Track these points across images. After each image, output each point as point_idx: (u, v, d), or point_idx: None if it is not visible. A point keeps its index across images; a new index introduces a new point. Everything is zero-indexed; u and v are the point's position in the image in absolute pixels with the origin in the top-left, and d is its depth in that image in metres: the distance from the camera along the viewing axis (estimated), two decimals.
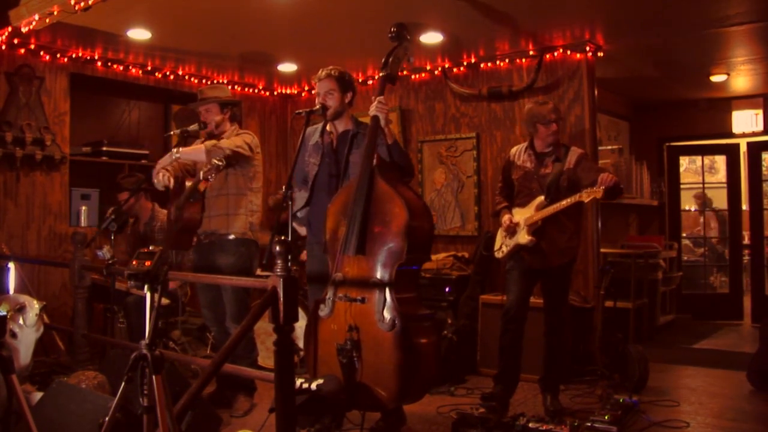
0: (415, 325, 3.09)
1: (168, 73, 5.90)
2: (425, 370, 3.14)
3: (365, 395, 3.08)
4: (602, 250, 5.41)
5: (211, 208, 3.95)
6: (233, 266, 3.87)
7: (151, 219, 4.93)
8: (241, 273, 3.80)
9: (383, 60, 3.32)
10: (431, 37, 5.00)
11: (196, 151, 3.76)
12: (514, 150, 4.07)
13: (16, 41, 4.91)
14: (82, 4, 4.01)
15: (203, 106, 4.02)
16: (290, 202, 3.44)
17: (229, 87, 4.34)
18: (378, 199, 3.17)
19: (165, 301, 4.72)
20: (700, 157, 8.18)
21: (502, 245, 3.99)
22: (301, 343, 4.82)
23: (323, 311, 3.28)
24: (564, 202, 3.66)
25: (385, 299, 3.08)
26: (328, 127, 3.56)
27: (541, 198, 3.78)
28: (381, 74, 3.33)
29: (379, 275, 3.13)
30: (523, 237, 3.81)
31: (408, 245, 3.09)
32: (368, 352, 3.09)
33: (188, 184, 3.92)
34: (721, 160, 8.21)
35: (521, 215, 3.88)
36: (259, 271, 4.15)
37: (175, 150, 3.72)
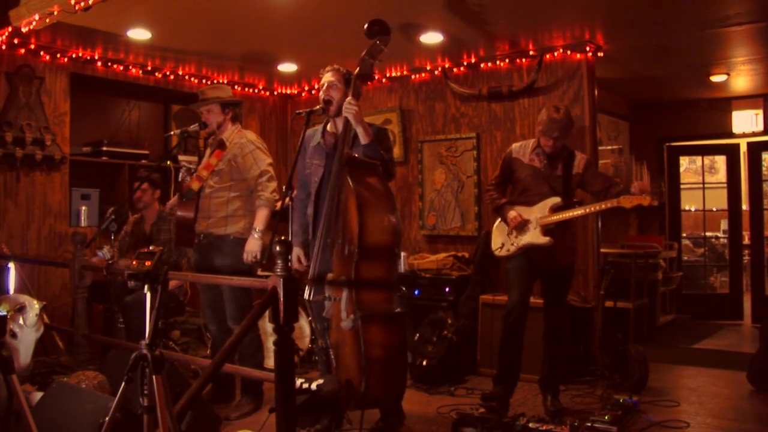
0: (373, 325, 3.06)
1: (168, 73, 5.90)
2: (392, 368, 3.10)
3: (351, 392, 3.10)
4: (602, 250, 5.41)
5: (210, 209, 3.95)
6: (230, 267, 3.87)
7: (159, 220, 4.89)
8: (239, 273, 3.77)
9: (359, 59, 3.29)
10: (431, 37, 5.00)
11: (265, 216, 3.84)
12: (516, 146, 4.00)
13: (16, 41, 4.91)
14: (82, 4, 4.01)
15: (204, 107, 4.02)
16: (290, 202, 3.44)
17: (229, 87, 4.32)
18: (344, 197, 3.16)
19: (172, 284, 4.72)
20: (700, 157, 8.19)
21: (504, 243, 3.94)
22: (300, 343, 4.83)
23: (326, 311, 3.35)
24: (603, 205, 3.66)
25: (347, 298, 3.08)
26: (329, 128, 3.49)
27: (557, 199, 3.76)
28: (355, 74, 3.29)
29: (343, 274, 3.13)
30: (537, 237, 3.77)
31: (360, 242, 3.05)
32: (341, 351, 3.17)
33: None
34: (721, 160, 8.22)
35: (530, 214, 3.83)
36: (259, 271, 4.15)
37: (257, 231, 3.80)
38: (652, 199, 3.76)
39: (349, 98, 3.21)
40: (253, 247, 3.82)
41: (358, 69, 3.28)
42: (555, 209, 3.76)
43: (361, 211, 3.06)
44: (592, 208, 3.71)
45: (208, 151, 4.14)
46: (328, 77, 3.43)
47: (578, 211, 3.74)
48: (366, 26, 3.24)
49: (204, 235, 3.97)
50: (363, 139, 3.22)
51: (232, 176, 3.94)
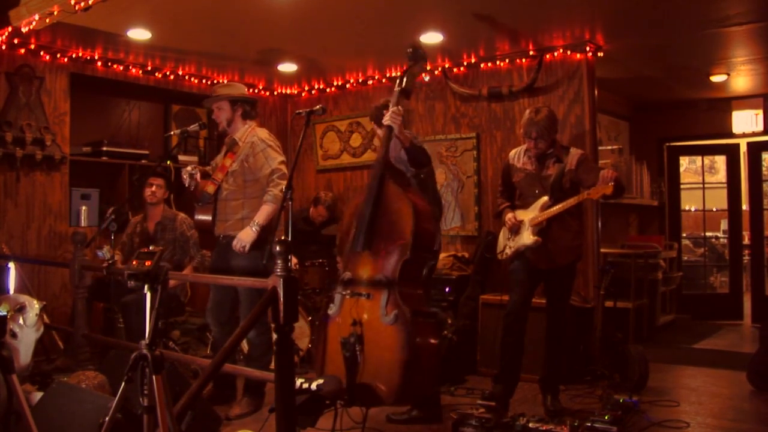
0: (417, 321, 3.19)
1: (168, 73, 5.90)
2: (426, 367, 3.21)
3: (365, 390, 3.16)
4: (602, 250, 5.41)
5: (227, 212, 3.94)
6: (245, 268, 3.85)
7: (164, 219, 4.88)
8: (255, 275, 3.73)
9: (398, 78, 3.57)
10: (431, 37, 5.00)
11: (268, 212, 3.83)
12: (513, 153, 4.07)
13: (16, 41, 4.91)
14: (82, 4, 4.01)
15: (215, 104, 4.01)
16: (290, 202, 3.45)
17: (244, 86, 4.30)
18: (387, 200, 3.36)
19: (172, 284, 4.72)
20: (700, 157, 8.19)
21: (505, 247, 3.98)
22: (300, 343, 4.83)
23: (332, 309, 3.42)
24: (572, 200, 3.67)
25: (389, 295, 3.21)
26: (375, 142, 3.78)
27: (545, 198, 3.78)
28: (396, 89, 3.53)
29: (384, 272, 3.27)
30: (528, 237, 3.80)
31: (413, 242, 3.25)
32: (371, 346, 3.19)
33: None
34: (721, 160, 8.22)
35: (525, 216, 3.87)
36: None
37: (255, 224, 3.80)
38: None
39: (394, 108, 3.44)
40: (245, 236, 3.81)
41: (401, 87, 3.54)
42: (545, 208, 3.77)
43: (417, 212, 3.28)
44: (565, 204, 3.71)
45: (222, 152, 4.13)
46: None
47: (555, 208, 3.73)
48: (410, 50, 3.60)
49: (223, 236, 3.98)
50: (405, 143, 3.52)
51: (245, 177, 3.93)
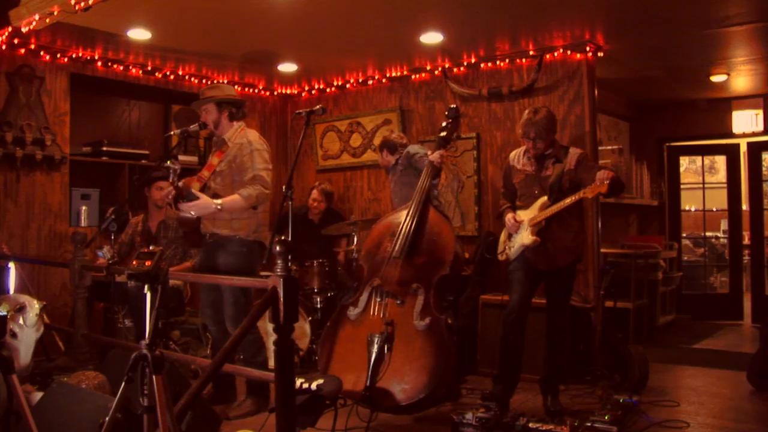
0: (444, 331, 3.47)
1: (168, 73, 5.90)
2: (445, 377, 3.41)
3: (382, 392, 3.32)
4: (602, 250, 5.41)
5: (215, 211, 3.93)
6: (230, 266, 3.85)
7: (167, 219, 4.89)
8: (241, 273, 3.76)
9: (442, 125, 4.15)
10: (431, 37, 5.00)
11: (235, 202, 3.76)
12: (513, 154, 4.08)
13: (16, 41, 4.92)
14: (82, 4, 4.01)
15: (202, 106, 4.01)
16: (290, 202, 3.44)
17: (232, 87, 4.30)
18: (429, 221, 3.82)
19: (177, 282, 4.73)
20: (700, 157, 8.19)
21: (505, 247, 3.99)
22: (301, 343, 4.83)
23: (352, 312, 3.67)
24: (568, 200, 3.67)
25: (424, 303, 3.54)
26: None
27: (545, 198, 3.78)
28: (440, 135, 4.10)
29: (422, 281, 3.62)
30: (526, 237, 3.80)
31: (453, 262, 3.67)
32: (400, 346, 3.41)
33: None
34: (721, 160, 8.22)
35: (525, 216, 3.87)
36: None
37: (218, 202, 3.73)
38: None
39: (441, 151, 4.03)
40: (202, 204, 3.72)
41: (443, 136, 4.08)
42: (544, 208, 3.78)
43: (455, 238, 3.79)
44: (562, 204, 3.71)
45: (212, 151, 4.13)
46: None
47: (553, 208, 3.74)
48: (452, 111, 4.19)
49: (210, 235, 3.96)
50: (440, 186, 4.37)
51: (233, 177, 3.91)
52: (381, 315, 3.57)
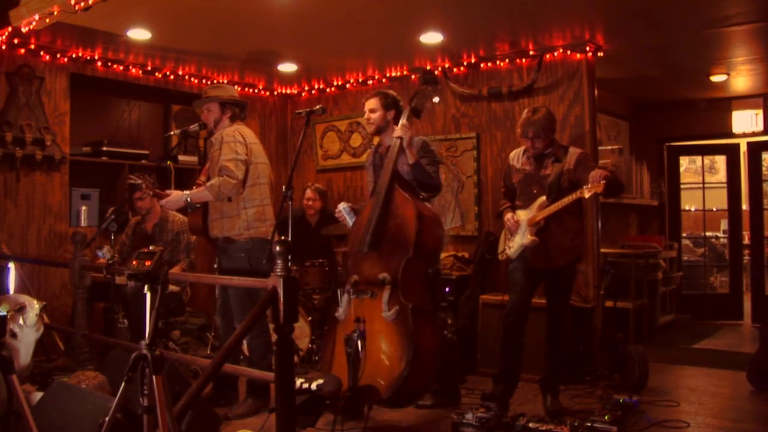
0: (418, 318, 3.35)
1: (168, 73, 5.90)
2: (424, 365, 3.30)
3: (367, 388, 3.26)
4: (602, 250, 5.41)
5: (212, 213, 3.95)
6: (231, 270, 3.86)
7: (162, 220, 4.90)
8: (243, 275, 3.76)
9: (411, 95, 3.90)
10: (431, 37, 5.00)
11: (201, 194, 3.85)
12: (512, 154, 4.08)
13: (16, 41, 4.92)
14: (82, 4, 4.01)
15: (204, 106, 4.01)
16: (290, 202, 3.44)
17: (234, 87, 4.30)
18: (394, 204, 3.60)
19: (174, 288, 4.74)
20: (700, 157, 8.19)
21: (505, 247, 3.99)
22: (301, 343, 4.83)
23: (339, 312, 3.60)
24: (566, 200, 3.66)
25: (391, 292, 3.40)
26: (375, 142, 3.86)
27: (543, 198, 3.78)
28: (409, 107, 3.84)
29: (388, 271, 3.47)
30: (525, 237, 3.80)
31: (416, 242, 3.45)
32: (373, 342, 3.33)
33: None
34: (721, 160, 8.22)
35: (523, 216, 3.88)
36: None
37: (187, 193, 3.88)
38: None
39: (403, 122, 3.72)
40: (173, 198, 3.92)
41: (411, 105, 3.83)
42: (542, 208, 3.78)
43: (421, 215, 3.52)
44: (560, 204, 3.71)
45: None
46: (370, 103, 3.91)
47: (551, 208, 3.73)
48: (421, 75, 3.93)
49: (220, 238, 3.99)
50: (410, 159, 3.68)
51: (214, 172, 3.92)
52: (356, 311, 3.49)
